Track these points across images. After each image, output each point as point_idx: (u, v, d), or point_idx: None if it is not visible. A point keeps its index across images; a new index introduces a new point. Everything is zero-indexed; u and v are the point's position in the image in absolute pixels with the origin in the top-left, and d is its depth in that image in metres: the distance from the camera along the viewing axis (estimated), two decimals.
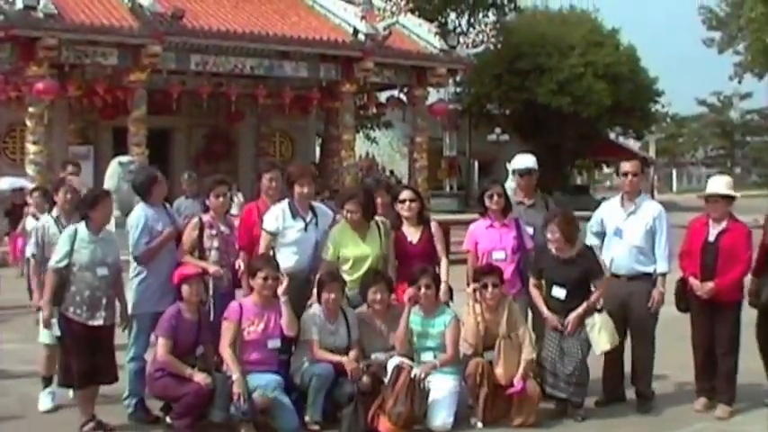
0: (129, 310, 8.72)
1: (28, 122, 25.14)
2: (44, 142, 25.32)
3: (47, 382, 9.21)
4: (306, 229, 9.04)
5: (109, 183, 19.10)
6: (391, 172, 41.09)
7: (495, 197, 9.35)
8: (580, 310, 8.74)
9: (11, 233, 18.43)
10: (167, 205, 9.38)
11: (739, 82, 57.29)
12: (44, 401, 9.16)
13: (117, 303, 8.60)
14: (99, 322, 8.33)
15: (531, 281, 9.09)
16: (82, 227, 8.44)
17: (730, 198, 9.03)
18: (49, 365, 9.18)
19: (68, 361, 8.41)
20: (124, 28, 25.29)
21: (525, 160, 10.02)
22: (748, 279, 9.09)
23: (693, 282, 8.95)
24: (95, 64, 26.13)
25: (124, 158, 21.04)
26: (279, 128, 33.95)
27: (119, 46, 25.64)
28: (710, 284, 8.81)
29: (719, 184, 9.11)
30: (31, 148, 25.08)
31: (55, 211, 9.59)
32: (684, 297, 9.08)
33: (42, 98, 24.93)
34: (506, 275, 9.03)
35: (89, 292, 8.28)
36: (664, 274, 9.11)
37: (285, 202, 9.10)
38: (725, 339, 8.94)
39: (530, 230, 9.53)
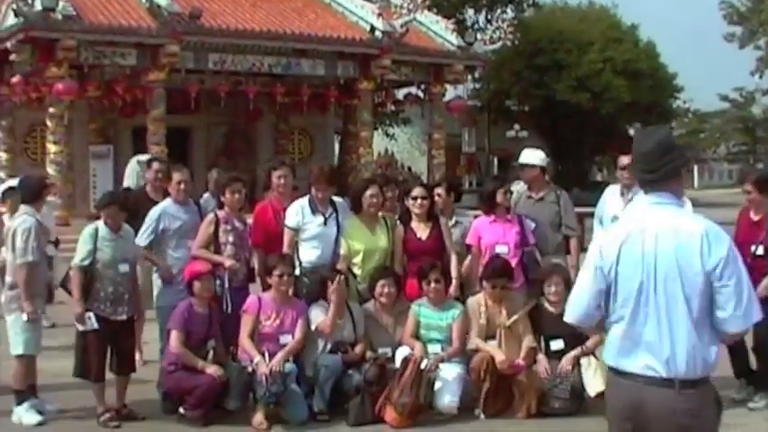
0: (154, 303, 9.08)
1: (48, 123, 25.41)
2: (64, 142, 25.60)
3: (22, 395, 8.67)
4: (325, 223, 9.20)
5: (128, 181, 19.18)
6: (409, 169, 41.16)
7: (508, 194, 9.56)
8: (575, 352, 8.81)
9: None
10: (193, 201, 9.69)
11: (761, 77, 57.17)
12: (29, 416, 8.57)
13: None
14: (122, 317, 8.63)
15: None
16: (102, 225, 8.67)
17: None
18: (24, 378, 8.71)
19: (88, 355, 8.62)
20: (142, 28, 25.51)
21: (526, 155, 10.15)
22: None
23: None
24: (114, 64, 26.41)
25: (143, 157, 21.01)
26: (297, 125, 34.13)
27: (137, 46, 25.87)
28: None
29: None
30: (51, 147, 25.35)
31: (35, 214, 8.87)
32: None
33: (62, 98, 25.21)
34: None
35: (112, 288, 8.54)
36: None
37: (306, 198, 9.29)
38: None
39: (531, 225, 9.66)
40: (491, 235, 9.46)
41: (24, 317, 8.48)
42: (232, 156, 31.39)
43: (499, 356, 8.67)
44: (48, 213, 13.85)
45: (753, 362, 9.19)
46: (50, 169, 24.69)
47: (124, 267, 8.64)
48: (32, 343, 8.64)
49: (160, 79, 26.26)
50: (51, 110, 25.29)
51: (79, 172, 28.33)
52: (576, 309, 4.60)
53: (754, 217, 9.07)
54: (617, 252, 4.32)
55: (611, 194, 9.67)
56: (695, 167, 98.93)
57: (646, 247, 4.25)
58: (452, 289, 9.12)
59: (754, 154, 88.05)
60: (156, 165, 10.30)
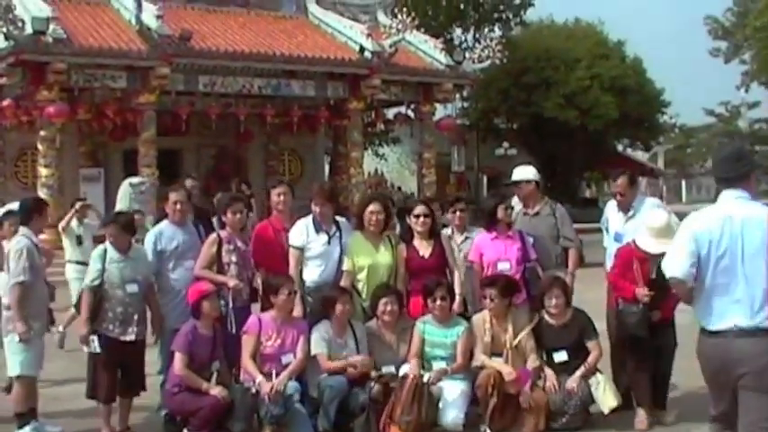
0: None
1: (39, 146, 25.36)
2: (55, 165, 25.53)
3: (23, 419, 8.62)
4: (329, 242, 9.23)
5: (120, 204, 19.19)
6: (399, 188, 41.16)
7: (509, 210, 9.61)
8: (579, 372, 8.82)
9: None
10: (191, 223, 9.62)
11: (746, 91, 57.50)
12: None
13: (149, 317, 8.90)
14: (131, 338, 8.65)
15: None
16: (110, 246, 8.70)
17: None
18: (24, 400, 8.66)
19: (98, 375, 8.66)
20: (132, 51, 25.52)
21: (518, 172, 10.19)
22: None
23: None
24: (105, 87, 26.34)
25: (135, 179, 21.12)
26: (287, 146, 34.13)
27: (127, 68, 25.86)
28: None
29: None
30: (42, 171, 25.29)
31: (29, 233, 8.83)
32: None
33: (53, 122, 25.14)
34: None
35: (121, 308, 8.58)
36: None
37: (309, 218, 9.32)
38: None
39: (530, 240, 9.69)
40: (493, 252, 9.50)
41: (17, 338, 8.46)
42: (222, 178, 31.32)
43: (506, 369, 8.68)
44: (86, 234, 13.83)
45: None
46: (42, 193, 24.52)
47: (132, 288, 8.65)
48: (29, 364, 8.60)
49: (150, 101, 26.22)
50: (42, 133, 25.24)
51: (70, 195, 28.13)
52: (674, 265, 5.82)
53: None
54: (711, 234, 5.64)
55: (612, 210, 9.72)
56: (683, 182, 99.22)
57: (734, 230, 5.60)
58: (456, 305, 9.16)
59: None
60: (189, 182, 10.23)
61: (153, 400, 9.21)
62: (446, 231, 9.98)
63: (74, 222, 13.32)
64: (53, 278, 9.58)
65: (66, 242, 13.47)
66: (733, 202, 5.70)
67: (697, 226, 5.73)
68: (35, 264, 8.61)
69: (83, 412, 9.33)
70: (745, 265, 5.56)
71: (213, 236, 9.17)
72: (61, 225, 13.75)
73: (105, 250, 8.75)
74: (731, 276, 5.60)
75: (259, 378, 8.44)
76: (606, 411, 8.76)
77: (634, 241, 8.71)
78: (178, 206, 9.36)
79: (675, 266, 5.79)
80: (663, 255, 8.06)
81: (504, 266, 9.40)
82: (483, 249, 9.58)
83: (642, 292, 8.66)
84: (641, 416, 8.83)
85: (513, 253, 9.47)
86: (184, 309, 8.89)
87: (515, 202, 10.40)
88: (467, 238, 9.89)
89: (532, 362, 8.89)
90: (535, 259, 9.60)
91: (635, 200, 9.49)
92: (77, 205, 13.81)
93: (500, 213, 9.53)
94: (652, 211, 8.88)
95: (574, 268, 9.84)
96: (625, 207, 9.47)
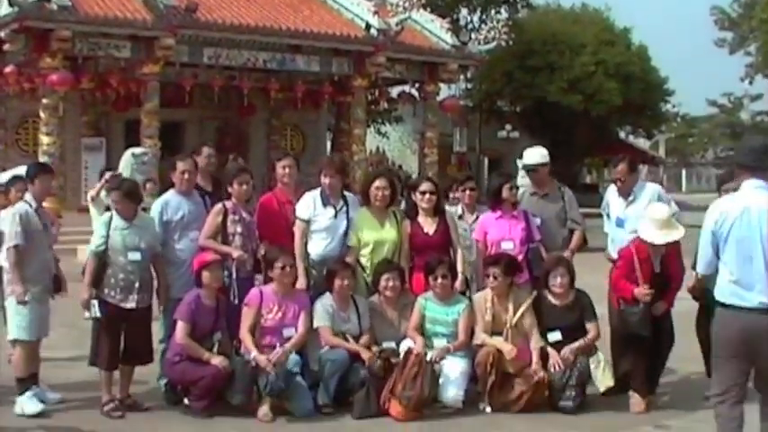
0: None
1: (42, 114, 25.27)
2: (57, 134, 25.43)
3: (24, 383, 8.57)
4: (336, 216, 9.21)
5: (123, 174, 19.15)
6: (400, 167, 41.09)
7: (514, 189, 9.61)
8: (577, 344, 8.83)
9: None
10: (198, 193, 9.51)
11: (750, 83, 57.41)
12: (30, 405, 8.46)
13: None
14: (131, 305, 8.57)
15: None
16: (116, 213, 8.69)
17: None
18: (24, 365, 8.62)
19: (100, 342, 8.63)
20: (138, 20, 25.40)
21: (533, 156, 10.14)
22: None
23: None
24: (108, 56, 26.23)
25: (137, 150, 21.04)
26: (290, 121, 34.09)
27: (132, 38, 25.73)
28: None
29: None
30: (44, 139, 25.20)
31: (30, 199, 8.81)
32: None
33: (56, 90, 25.04)
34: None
35: (123, 275, 8.53)
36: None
37: (317, 191, 9.28)
38: None
39: (537, 221, 9.68)
40: (497, 231, 9.50)
41: (14, 301, 8.46)
42: (224, 151, 31.23)
43: (507, 347, 8.68)
44: None
45: None
46: (43, 161, 24.51)
47: (135, 256, 8.59)
48: (26, 328, 8.57)
49: (154, 72, 26.10)
50: (45, 101, 25.14)
51: (71, 164, 28.24)
52: (704, 262, 6.46)
53: None
54: (731, 221, 6.17)
55: (613, 195, 9.69)
56: (683, 171, 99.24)
57: (753, 219, 6.11)
58: (458, 283, 9.15)
59: None
60: (206, 150, 10.11)
61: (153, 370, 9.16)
62: (454, 210, 9.97)
63: (103, 193, 13.25)
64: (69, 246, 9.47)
65: (93, 212, 13.38)
66: (753, 191, 6.17)
67: (715, 218, 6.28)
68: (31, 229, 8.56)
69: (83, 383, 9.31)
70: (764, 249, 6.08)
71: (218, 206, 9.11)
72: (91, 194, 13.67)
73: (111, 217, 8.71)
74: (752, 259, 6.12)
75: (254, 353, 8.43)
76: (602, 389, 8.81)
77: (638, 236, 8.74)
78: (186, 175, 9.25)
79: (703, 266, 6.52)
80: (665, 246, 8.56)
81: (507, 246, 9.40)
82: (487, 228, 9.58)
83: (642, 291, 8.69)
84: (637, 399, 8.87)
85: (517, 233, 9.46)
86: (189, 279, 8.87)
87: (523, 182, 10.38)
88: (477, 217, 9.89)
89: (536, 342, 8.88)
90: (539, 240, 9.59)
91: (635, 185, 9.47)
92: (107, 175, 13.72)
93: (505, 193, 9.52)
94: (653, 205, 8.97)
95: (575, 246, 9.87)
96: (625, 192, 9.47)
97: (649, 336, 8.79)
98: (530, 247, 9.50)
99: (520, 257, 9.37)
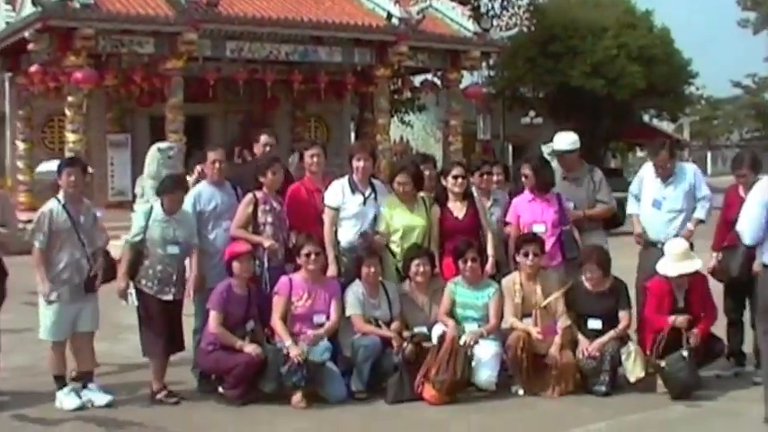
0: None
1: (67, 112, 25.33)
2: (83, 131, 25.52)
3: (61, 380, 8.67)
4: (365, 203, 9.25)
5: (148, 169, 19.24)
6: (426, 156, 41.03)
7: (525, 175, 9.69)
8: (605, 338, 8.88)
9: None
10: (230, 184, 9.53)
11: None
12: (68, 401, 8.53)
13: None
14: (168, 297, 8.71)
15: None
16: (157, 205, 8.77)
17: None
18: (53, 364, 8.72)
19: (149, 333, 8.76)
20: (160, 16, 25.43)
21: (563, 142, 10.17)
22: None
23: None
24: (132, 53, 26.28)
25: (163, 144, 21.11)
26: (314, 113, 34.09)
27: (155, 34, 25.76)
28: None
29: None
30: (70, 137, 25.26)
31: (61, 196, 8.67)
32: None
33: (81, 88, 25.11)
34: (546, 248, 9.28)
35: (160, 267, 8.65)
36: (700, 221, 9.49)
37: (345, 178, 9.34)
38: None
39: (570, 205, 9.69)
40: (529, 214, 9.55)
41: (42, 299, 8.52)
42: (248, 144, 31.23)
43: (533, 330, 8.75)
44: None
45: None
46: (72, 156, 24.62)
47: (173, 249, 8.70)
48: (49, 329, 8.59)
49: (177, 67, 26.09)
50: (70, 99, 25.19)
51: (97, 161, 28.31)
52: (753, 234, 7.31)
53: (744, 194, 9.22)
54: None
55: (649, 176, 9.69)
56: (708, 154, 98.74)
57: None
58: (488, 267, 9.19)
59: (766, 140, 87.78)
60: (264, 138, 10.13)
61: (187, 359, 9.23)
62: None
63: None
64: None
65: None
66: None
67: (762, 195, 7.22)
68: (57, 228, 8.52)
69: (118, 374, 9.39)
70: None
71: (249, 196, 9.15)
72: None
73: (152, 208, 8.80)
74: None
75: (288, 342, 8.49)
76: (632, 380, 8.84)
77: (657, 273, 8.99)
78: (217, 165, 9.31)
79: (751, 236, 7.35)
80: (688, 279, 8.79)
81: (539, 229, 9.45)
82: (520, 211, 9.62)
83: (680, 319, 8.83)
84: (659, 381, 8.90)
85: (549, 216, 9.49)
86: (222, 269, 8.92)
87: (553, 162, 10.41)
88: (495, 201, 9.92)
89: (562, 322, 8.94)
90: (572, 222, 9.61)
91: (674, 165, 9.55)
92: (199, 168, 13.79)
93: (523, 179, 9.59)
94: (670, 241, 9.13)
95: (594, 213, 9.91)
96: (665, 176, 9.50)
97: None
98: (563, 230, 9.51)
99: (552, 240, 9.40)
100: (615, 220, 10.17)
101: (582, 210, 9.84)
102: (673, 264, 8.86)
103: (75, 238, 8.62)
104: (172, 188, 8.89)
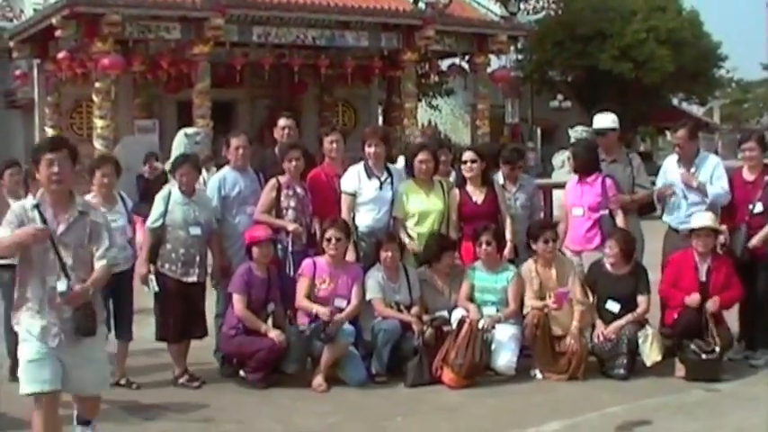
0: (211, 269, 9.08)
1: (95, 98, 25.48)
2: (111, 117, 25.66)
3: None
4: (381, 187, 9.30)
5: (176, 153, 19.37)
6: (449, 140, 41.03)
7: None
8: (623, 321, 8.91)
9: None
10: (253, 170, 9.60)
11: None
12: None
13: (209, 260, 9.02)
14: (192, 279, 8.77)
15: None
16: (175, 189, 8.82)
17: None
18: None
19: (165, 317, 8.81)
20: (187, 2, 25.52)
21: (603, 121, 10.16)
22: None
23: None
24: (159, 38, 26.40)
25: (190, 130, 21.29)
26: (341, 97, 34.12)
27: (181, 20, 25.86)
28: None
29: None
30: (98, 122, 25.40)
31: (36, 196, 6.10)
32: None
33: (108, 74, 25.22)
34: (581, 231, 9.42)
35: (183, 249, 8.70)
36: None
37: (361, 164, 9.38)
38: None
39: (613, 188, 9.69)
40: (571, 197, 9.72)
41: None
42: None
43: (548, 301, 8.86)
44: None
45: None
46: (98, 144, 24.75)
47: (195, 230, 8.75)
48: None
49: (204, 53, 26.18)
50: (97, 85, 25.33)
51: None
52: None
53: (749, 177, 9.42)
54: None
55: (672, 164, 9.70)
56: (738, 137, 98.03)
57: None
58: (507, 251, 9.21)
59: None
60: (282, 122, 10.19)
61: (209, 343, 9.32)
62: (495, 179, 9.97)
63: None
64: None
65: None
66: None
67: None
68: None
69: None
70: None
71: (272, 181, 9.22)
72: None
73: (170, 192, 8.84)
74: None
75: (316, 307, 8.62)
76: (649, 364, 8.86)
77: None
78: (240, 151, 9.35)
79: None
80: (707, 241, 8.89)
81: (577, 212, 9.55)
82: (567, 193, 9.73)
83: (693, 298, 8.83)
84: (677, 365, 8.92)
85: (588, 199, 9.47)
86: (243, 253, 9.01)
87: (565, 154, 10.41)
88: (521, 186, 9.94)
89: (580, 306, 8.99)
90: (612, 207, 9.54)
91: (697, 156, 9.50)
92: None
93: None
94: (696, 215, 9.17)
95: (638, 197, 9.85)
96: (686, 161, 9.50)
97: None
98: (602, 214, 9.48)
99: (588, 224, 9.43)
100: (650, 205, 10.14)
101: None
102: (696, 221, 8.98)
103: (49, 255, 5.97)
104: (182, 162, 9.01)
